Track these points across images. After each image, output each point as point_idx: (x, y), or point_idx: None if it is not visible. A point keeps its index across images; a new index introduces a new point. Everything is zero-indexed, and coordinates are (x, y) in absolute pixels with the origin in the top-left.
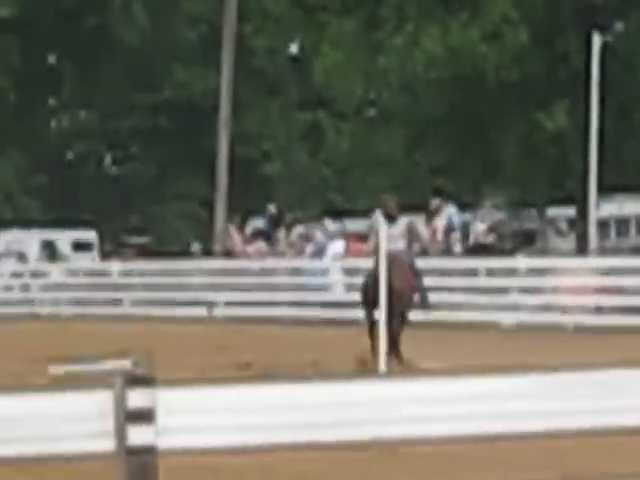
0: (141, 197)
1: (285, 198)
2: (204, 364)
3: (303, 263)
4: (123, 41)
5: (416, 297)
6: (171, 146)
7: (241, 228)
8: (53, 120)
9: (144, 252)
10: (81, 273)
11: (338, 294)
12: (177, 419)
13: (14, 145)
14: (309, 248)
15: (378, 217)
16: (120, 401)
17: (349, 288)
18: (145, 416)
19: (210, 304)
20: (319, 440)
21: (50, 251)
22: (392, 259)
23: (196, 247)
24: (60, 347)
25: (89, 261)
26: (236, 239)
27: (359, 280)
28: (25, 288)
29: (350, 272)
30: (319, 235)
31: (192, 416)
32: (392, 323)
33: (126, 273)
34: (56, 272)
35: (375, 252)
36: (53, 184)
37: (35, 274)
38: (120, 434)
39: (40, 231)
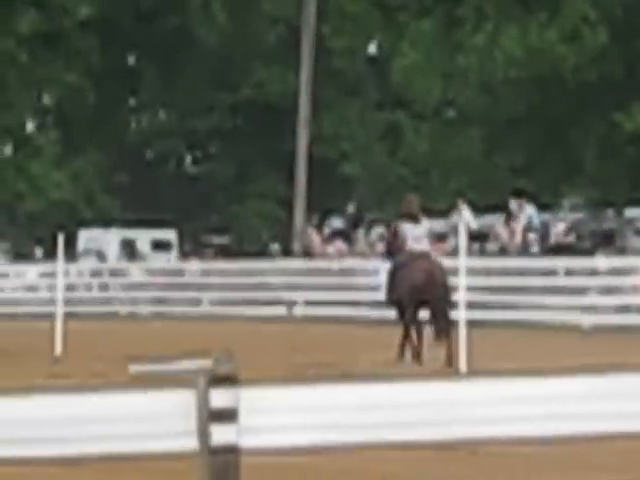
0: (220, 197)
1: (364, 198)
2: (284, 363)
3: (380, 263)
4: (202, 41)
5: None
6: (250, 146)
7: (320, 228)
8: (133, 120)
9: (223, 252)
10: (160, 272)
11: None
12: (259, 418)
13: (94, 144)
14: None
15: (463, 212)
16: (203, 400)
17: None
18: (228, 415)
19: (290, 304)
20: (399, 440)
21: (130, 250)
22: (430, 258)
23: (275, 247)
24: (139, 346)
25: (168, 261)
26: (315, 239)
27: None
28: (104, 287)
29: None
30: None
31: (274, 415)
32: (444, 319)
33: (205, 273)
34: (135, 271)
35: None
36: (133, 183)
37: (114, 273)
38: (203, 433)
39: (120, 230)
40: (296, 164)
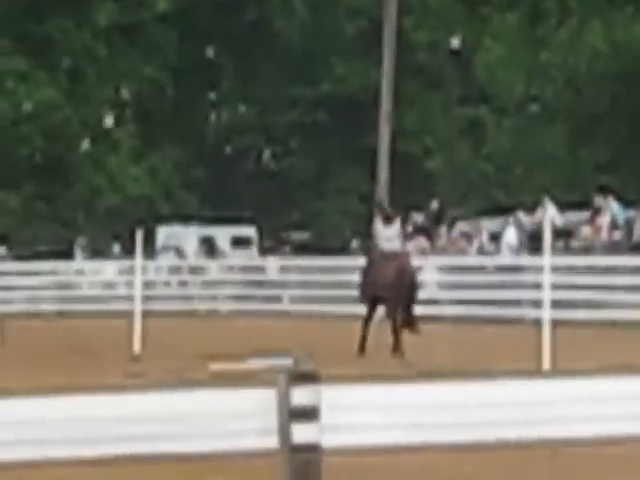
0: (301, 193)
1: (446, 194)
2: (365, 362)
3: (466, 260)
4: (282, 34)
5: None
6: (331, 141)
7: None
8: (212, 114)
9: (303, 248)
10: (240, 270)
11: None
12: (341, 417)
13: (173, 139)
14: (474, 245)
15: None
16: (284, 398)
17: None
18: (309, 414)
19: None
20: (480, 439)
21: (209, 247)
22: (401, 256)
23: (356, 244)
24: (219, 344)
25: (248, 257)
26: None
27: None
28: (183, 284)
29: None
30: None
31: (356, 414)
32: (405, 313)
33: (285, 270)
34: (214, 268)
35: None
36: (211, 179)
37: (193, 270)
38: (284, 432)
39: (199, 226)
40: (378, 159)
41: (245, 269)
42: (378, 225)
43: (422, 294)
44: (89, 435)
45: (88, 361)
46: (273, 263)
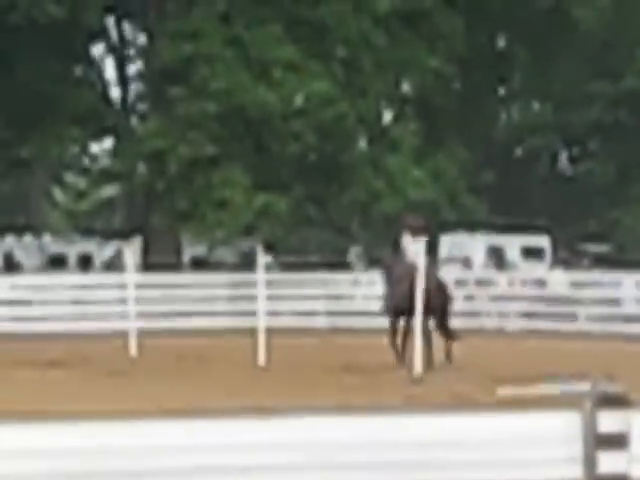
0: (599, 199)
1: None
2: None
3: None
4: (581, 24)
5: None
6: (634, 143)
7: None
8: (502, 111)
9: (602, 261)
10: (531, 283)
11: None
12: None
13: (459, 138)
14: None
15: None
16: (590, 424)
17: None
18: (617, 442)
19: None
20: None
21: (497, 257)
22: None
23: None
24: (507, 365)
25: (540, 270)
26: None
27: None
28: (469, 298)
29: None
30: None
31: None
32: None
33: (580, 284)
34: (504, 281)
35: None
36: (501, 183)
37: (481, 283)
38: (589, 461)
39: (487, 235)
40: None
41: (538, 283)
42: (407, 239)
43: None
44: (370, 460)
45: (364, 381)
46: (565, 277)
